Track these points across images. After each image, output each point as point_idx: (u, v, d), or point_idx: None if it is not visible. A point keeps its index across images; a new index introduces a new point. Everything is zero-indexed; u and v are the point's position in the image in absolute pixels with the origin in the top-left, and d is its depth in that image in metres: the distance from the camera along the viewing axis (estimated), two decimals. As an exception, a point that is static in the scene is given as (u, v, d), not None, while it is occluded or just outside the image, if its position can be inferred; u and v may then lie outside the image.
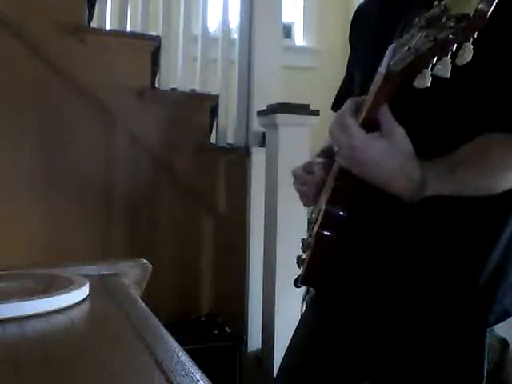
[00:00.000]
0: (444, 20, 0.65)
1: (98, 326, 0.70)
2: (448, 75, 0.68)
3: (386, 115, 0.78)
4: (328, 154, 1.13)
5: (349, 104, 0.84)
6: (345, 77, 1.22)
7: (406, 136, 0.79)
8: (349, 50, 1.19)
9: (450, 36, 0.65)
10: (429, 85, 0.70)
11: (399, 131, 0.79)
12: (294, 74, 3.46)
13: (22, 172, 2.24)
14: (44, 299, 0.69)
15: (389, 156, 0.79)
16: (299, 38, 4.19)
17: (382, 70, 0.77)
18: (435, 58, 0.69)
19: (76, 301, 0.73)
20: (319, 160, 1.10)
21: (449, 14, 0.65)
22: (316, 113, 2.32)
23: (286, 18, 3.43)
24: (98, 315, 0.75)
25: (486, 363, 0.90)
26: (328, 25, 3.99)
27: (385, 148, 0.79)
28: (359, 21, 1.15)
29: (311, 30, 4.14)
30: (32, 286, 0.77)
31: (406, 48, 0.71)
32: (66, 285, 0.76)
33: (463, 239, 0.92)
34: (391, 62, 0.74)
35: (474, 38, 0.66)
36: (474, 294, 0.92)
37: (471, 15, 0.63)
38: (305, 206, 1.15)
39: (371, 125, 0.79)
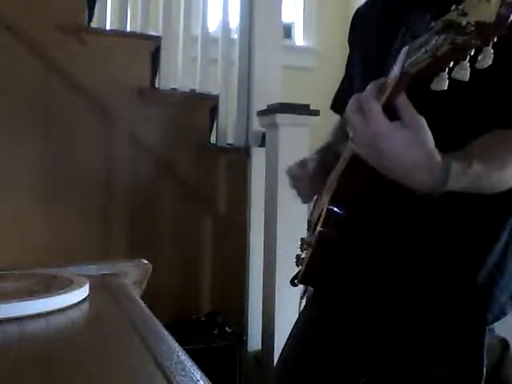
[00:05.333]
0: (464, 24, 0.63)
1: (97, 325, 0.70)
2: (467, 79, 0.66)
3: (405, 104, 0.75)
4: (325, 152, 1.14)
5: (370, 88, 0.78)
6: (344, 77, 1.22)
7: (427, 127, 0.75)
8: (348, 50, 1.19)
9: (472, 41, 0.63)
10: (446, 88, 0.68)
11: (421, 121, 0.75)
12: (294, 74, 3.46)
13: (22, 172, 2.24)
14: (44, 299, 0.69)
15: (413, 147, 0.75)
16: (299, 38, 4.19)
17: (395, 71, 0.74)
18: (452, 62, 0.67)
19: (76, 301, 0.73)
20: (314, 157, 1.11)
21: (468, 18, 0.63)
22: (316, 113, 2.32)
23: (286, 18, 3.43)
24: (98, 315, 0.75)
25: (485, 361, 0.90)
26: (328, 25, 3.99)
27: (409, 138, 0.75)
28: (359, 23, 1.15)
29: (311, 30, 4.14)
30: (32, 286, 0.76)
31: (423, 50, 0.69)
32: (66, 285, 0.76)
33: (462, 238, 0.92)
34: (406, 64, 0.72)
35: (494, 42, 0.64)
36: (472, 293, 0.92)
37: (492, 22, 0.61)
38: (303, 202, 1.15)
39: (388, 114, 0.76)
